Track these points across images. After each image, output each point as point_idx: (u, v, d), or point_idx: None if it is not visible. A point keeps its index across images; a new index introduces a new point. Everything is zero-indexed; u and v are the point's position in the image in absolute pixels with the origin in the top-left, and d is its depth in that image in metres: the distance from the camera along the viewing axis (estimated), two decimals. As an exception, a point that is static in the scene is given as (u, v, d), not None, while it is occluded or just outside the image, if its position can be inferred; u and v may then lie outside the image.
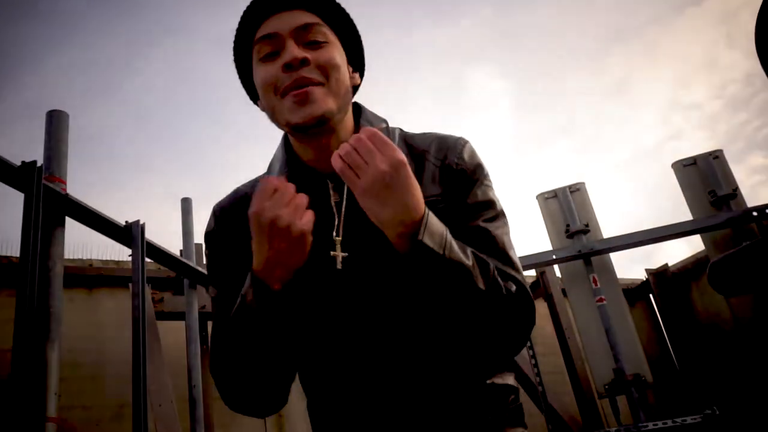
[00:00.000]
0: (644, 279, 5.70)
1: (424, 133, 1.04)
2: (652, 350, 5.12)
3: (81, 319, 3.81)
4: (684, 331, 5.21)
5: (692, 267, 5.33)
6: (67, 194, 2.23)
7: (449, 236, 0.82)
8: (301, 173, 0.96)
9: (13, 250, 3.82)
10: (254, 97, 1.02)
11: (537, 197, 4.36)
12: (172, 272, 3.60)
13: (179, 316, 3.51)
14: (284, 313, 0.83)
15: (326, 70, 0.91)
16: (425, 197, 0.85)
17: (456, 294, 0.81)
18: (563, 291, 4.53)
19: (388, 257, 0.85)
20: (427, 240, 0.78)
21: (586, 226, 4.11)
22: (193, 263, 3.30)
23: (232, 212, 1.01)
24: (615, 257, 4.16)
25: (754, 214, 3.90)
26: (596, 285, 3.96)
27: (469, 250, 0.83)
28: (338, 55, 0.95)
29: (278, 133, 1.02)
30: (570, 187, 4.28)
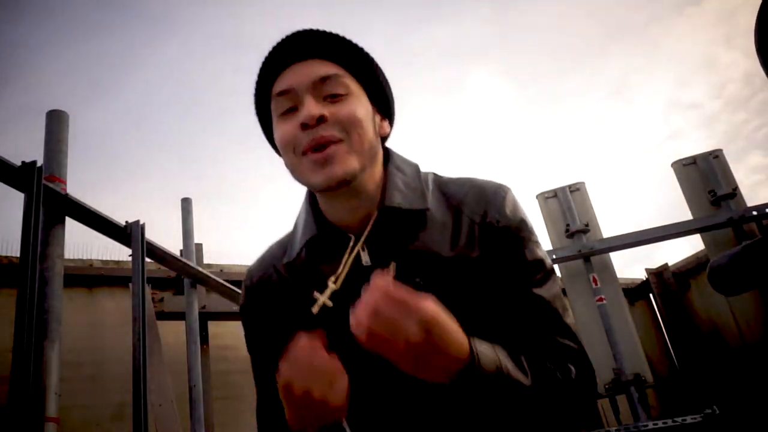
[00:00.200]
0: (644, 278, 5.69)
1: (460, 179, 0.96)
2: (652, 350, 5.12)
3: (81, 319, 3.81)
4: (684, 331, 5.21)
5: (692, 266, 5.33)
6: (67, 194, 2.23)
7: (502, 359, 0.75)
8: (328, 234, 0.91)
9: (13, 250, 3.82)
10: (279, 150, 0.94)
11: (537, 197, 4.36)
12: (172, 272, 3.60)
13: (179, 316, 3.51)
14: None
15: (347, 126, 0.84)
16: (462, 256, 0.82)
17: (513, 406, 0.77)
18: (563, 291, 4.52)
19: None
20: (481, 377, 0.72)
21: (586, 225, 4.11)
22: (193, 263, 3.30)
23: (262, 287, 0.97)
24: (615, 257, 4.17)
25: (754, 213, 3.90)
26: (596, 285, 3.96)
27: (526, 362, 0.78)
28: (361, 107, 0.87)
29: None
30: (570, 186, 4.28)
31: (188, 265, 3.22)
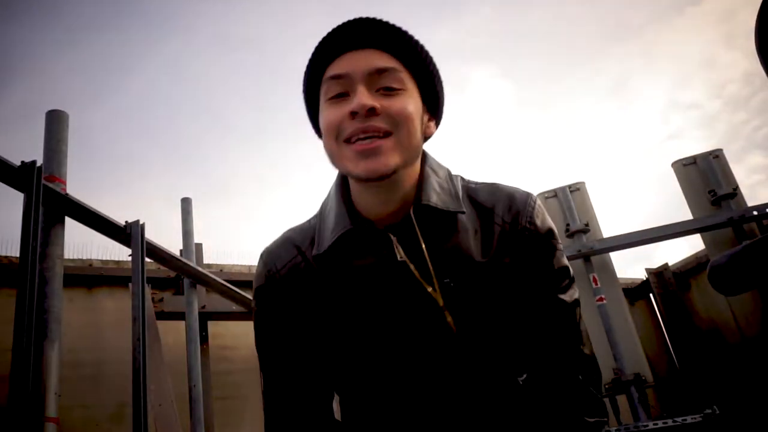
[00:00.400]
0: (644, 278, 5.69)
1: (488, 185, 0.98)
2: (652, 350, 5.12)
3: (81, 319, 3.81)
4: (684, 331, 5.21)
5: (692, 266, 5.33)
6: (66, 194, 2.23)
7: None
8: (363, 228, 0.90)
9: (13, 250, 3.82)
10: (321, 132, 0.93)
11: (537, 196, 4.35)
12: (172, 272, 3.60)
13: (179, 316, 3.50)
14: None
15: (397, 121, 0.83)
16: (494, 261, 0.85)
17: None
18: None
19: (489, 315, 0.86)
20: None
21: (586, 225, 4.11)
22: (193, 263, 3.29)
23: (288, 274, 0.95)
24: (615, 257, 4.17)
25: (754, 213, 3.90)
26: (596, 284, 3.96)
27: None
28: (413, 104, 0.86)
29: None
30: (570, 186, 4.28)
31: (188, 265, 3.22)
